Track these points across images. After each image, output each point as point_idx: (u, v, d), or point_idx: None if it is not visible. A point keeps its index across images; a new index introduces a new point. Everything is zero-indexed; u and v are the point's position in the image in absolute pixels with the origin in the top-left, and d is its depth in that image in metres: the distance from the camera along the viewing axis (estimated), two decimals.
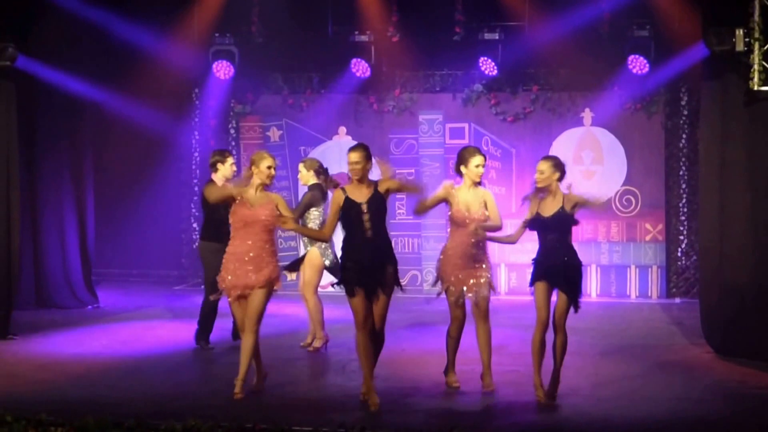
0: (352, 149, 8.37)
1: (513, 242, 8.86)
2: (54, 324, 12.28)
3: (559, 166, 8.48)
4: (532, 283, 8.48)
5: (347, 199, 8.26)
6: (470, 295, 8.70)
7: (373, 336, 8.38)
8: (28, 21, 12.27)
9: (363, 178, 8.30)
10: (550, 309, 8.41)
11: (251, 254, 8.51)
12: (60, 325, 12.18)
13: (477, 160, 8.71)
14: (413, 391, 8.74)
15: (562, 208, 8.37)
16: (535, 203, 8.48)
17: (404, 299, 14.39)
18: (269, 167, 8.61)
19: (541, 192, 8.50)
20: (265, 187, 8.67)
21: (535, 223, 8.46)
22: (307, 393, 8.78)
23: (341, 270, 8.43)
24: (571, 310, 8.40)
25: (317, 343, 10.50)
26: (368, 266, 8.26)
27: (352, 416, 7.80)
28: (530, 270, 8.58)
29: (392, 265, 8.40)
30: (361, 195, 8.27)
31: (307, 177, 10.66)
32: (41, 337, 11.42)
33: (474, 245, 8.66)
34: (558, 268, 8.37)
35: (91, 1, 13.09)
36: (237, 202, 8.58)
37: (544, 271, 8.41)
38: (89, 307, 13.67)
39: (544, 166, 8.46)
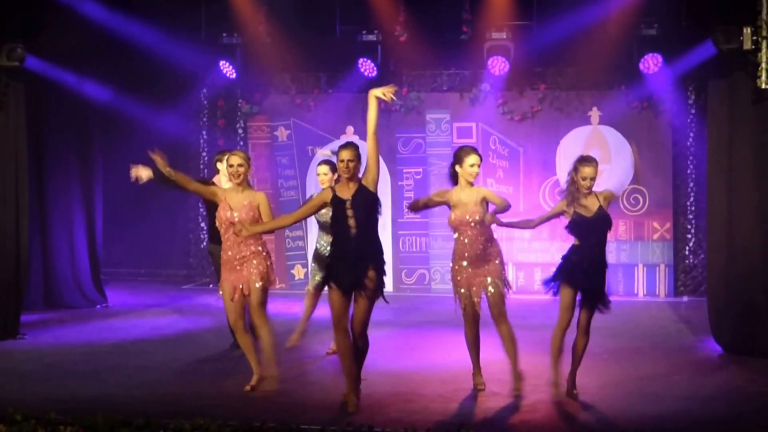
0: (343, 147, 8.31)
1: (532, 227, 8.82)
2: (63, 323, 12.33)
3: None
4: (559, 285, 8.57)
5: (335, 197, 8.19)
6: (483, 293, 8.64)
7: (354, 341, 8.20)
8: (37, 22, 12.31)
9: (353, 177, 8.21)
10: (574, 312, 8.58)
11: (239, 257, 8.66)
12: (69, 325, 12.24)
13: (472, 159, 8.66)
14: (421, 390, 8.75)
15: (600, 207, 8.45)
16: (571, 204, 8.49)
17: (413, 298, 14.45)
18: (230, 165, 8.73)
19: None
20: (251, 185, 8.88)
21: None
22: (315, 392, 8.80)
23: (326, 266, 8.44)
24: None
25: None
26: (350, 264, 8.08)
27: (360, 415, 7.82)
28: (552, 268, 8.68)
29: (375, 267, 8.09)
30: (347, 192, 8.16)
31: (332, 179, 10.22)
32: (50, 337, 11.46)
33: (481, 243, 8.62)
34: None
35: (100, 2, 13.13)
36: (221, 205, 8.73)
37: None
38: (98, 306, 13.71)
39: (593, 171, 8.44)
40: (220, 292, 8.81)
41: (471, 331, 8.77)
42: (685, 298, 14.30)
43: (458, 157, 8.73)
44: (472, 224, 8.57)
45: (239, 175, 8.72)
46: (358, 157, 8.25)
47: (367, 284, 8.03)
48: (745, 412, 8.14)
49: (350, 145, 8.34)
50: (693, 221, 14.50)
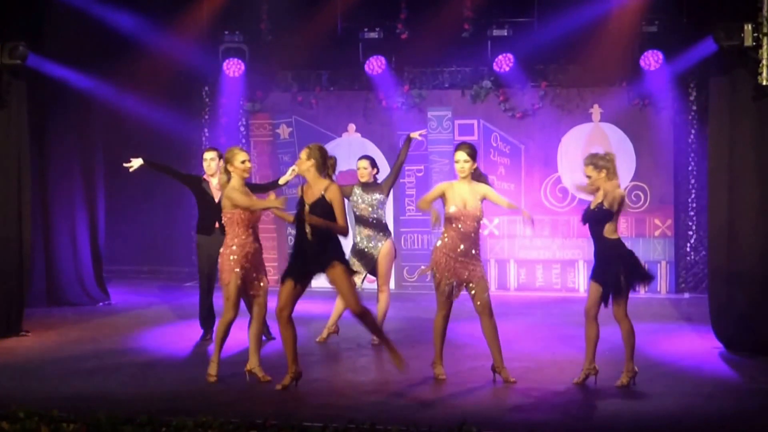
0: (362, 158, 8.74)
1: None
2: (66, 321, 12.35)
3: (597, 165, 8.76)
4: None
5: (300, 198, 8.60)
6: (472, 290, 8.86)
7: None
8: (39, 19, 12.32)
9: (313, 178, 8.53)
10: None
11: (249, 248, 8.88)
12: (71, 322, 12.25)
13: (456, 155, 8.91)
14: (423, 386, 8.77)
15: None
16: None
17: (414, 295, 14.45)
18: (243, 161, 8.87)
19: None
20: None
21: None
22: (317, 388, 8.81)
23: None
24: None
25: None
26: (304, 258, 8.62)
27: (363, 412, 7.83)
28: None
29: (333, 259, 8.52)
30: (310, 195, 8.52)
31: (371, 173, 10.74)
32: (53, 334, 11.48)
33: (466, 240, 8.79)
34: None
35: (102, 0, 13.14)
36: (253, 202, 8.93)
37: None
38: (100, 304, 13.73)
39: (588, 170, 8.80)
40: (231, 282, 8.85)
41: (443, 322, 9.03)
42: (687, 295, 14.31)
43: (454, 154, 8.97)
44: (470, 218, 8.79)
45: (249, 171, 8.94)
46: (307, 156, 8.56)
47: (330, 273, 8.49)
48: (746, 409, 8.15)
49: (306, 147, 8.68)
50: (694, 218, 14.51)
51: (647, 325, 11.98)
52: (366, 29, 14.54)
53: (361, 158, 10.74)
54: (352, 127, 15.24)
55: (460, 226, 8.79)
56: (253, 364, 8.97)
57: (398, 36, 14.69)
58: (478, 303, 8.86)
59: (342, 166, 15.03)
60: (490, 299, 8.94)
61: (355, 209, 10.57)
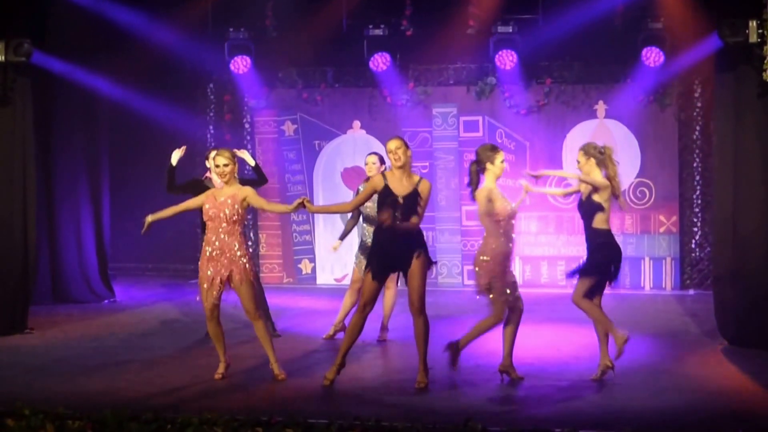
0: (391, 138, 8.66)
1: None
2: (71, 318, 12.37)
3: (587, 152, 8.84)
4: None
5: (387, 188, 8.52)
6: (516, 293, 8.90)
7: (414, 321, 8.77)
8: (44, 17, 12.33)
9: (404, 166, 8.55)
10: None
11: (218, 246, 8.85)
12: (77, 319, 12.28)
13: (502, 155, 8.83)
14: (428, 383, 8.76)
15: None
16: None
17: None
18: (217, 166, 8.97)
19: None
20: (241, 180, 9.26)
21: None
22: (322, 385, 8.82)
23: (369, 253, 8.85)
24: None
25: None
26: (392, 254, 8.55)
27: (368, 408, 7.84)
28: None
29: (420, 250, 8.56)
30: (401, 187, 8.51)
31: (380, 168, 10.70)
32: (58, 332, 11.50)
33: (511, 241, 8.78)
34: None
35: None
36: (208, 201, 8.98)
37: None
38: (105, 301, 13.75)
39: (578, 156, 8.91)
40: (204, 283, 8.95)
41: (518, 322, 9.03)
42: (692, 291, 14.31)
43: (486, 156, 8.77)
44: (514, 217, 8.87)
45: (226, 175, 8.95)
46: (406, 145, 8.62)
47: (413, 264, 8.50)
48: (750, 405, 8.14)
49: (396, 137, 8.71)
50: (699, 214, 14.51)
51: (652, 321, 12.00)
52: (371, 26, 14.55)
53: (369, 154, 10.66)
54: (356, 123, 15.24)
55: (513, 223, 8.82)
56: (270, 361, 8.99)
57: (403, 33, 14.70)
58: (519, 303, 8.89)
59: (347, 163, 15.18)
60: None
61: (362, 208, 10.51)
